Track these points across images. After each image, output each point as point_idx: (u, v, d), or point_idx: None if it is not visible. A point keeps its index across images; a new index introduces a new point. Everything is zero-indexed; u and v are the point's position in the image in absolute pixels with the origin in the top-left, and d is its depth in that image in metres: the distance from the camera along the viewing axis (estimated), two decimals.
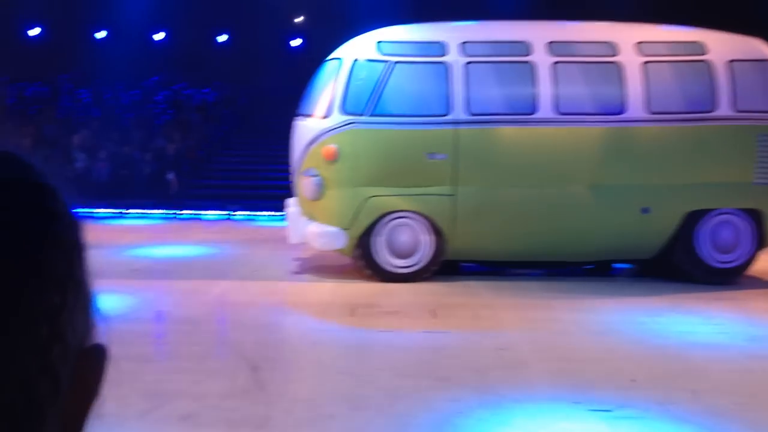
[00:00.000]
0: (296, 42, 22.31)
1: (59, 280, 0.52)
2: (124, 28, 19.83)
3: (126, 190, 15.68)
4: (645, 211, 8.38)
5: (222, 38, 22.35)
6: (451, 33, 8.75)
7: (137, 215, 14.50)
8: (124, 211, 14.64)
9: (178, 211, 14.47)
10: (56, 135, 17.51)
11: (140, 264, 9.43)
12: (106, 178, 16.37)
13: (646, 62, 8.47)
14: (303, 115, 8.88)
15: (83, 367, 0.53)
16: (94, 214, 14.56)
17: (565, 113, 8.34)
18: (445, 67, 8.38)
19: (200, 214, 14.46)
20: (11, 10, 19.14)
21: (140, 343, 5.89)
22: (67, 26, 20.35)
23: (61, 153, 16.86)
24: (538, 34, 8.70)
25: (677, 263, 8.49)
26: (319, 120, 8.48)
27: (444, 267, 8.45)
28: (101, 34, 21.61)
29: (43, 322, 0.50)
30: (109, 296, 7.57)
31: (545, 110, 8.33)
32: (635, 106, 8.41)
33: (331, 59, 8.92)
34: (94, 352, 0.55)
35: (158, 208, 14.68)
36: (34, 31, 21.54)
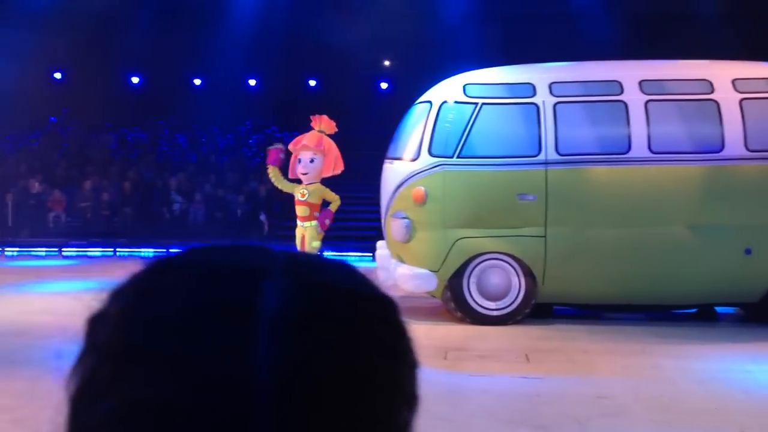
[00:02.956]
0: (385, 85, 22.64)
1: (406, 396, 0.52)
2: (219, 75, 20.56)
3: (220, 231, 16.11)
4: (748, 252, 8.07)
5: (312, 83, 22.89)
6: (539, 74, 8.72)
7: None
8: None
9: None
10: (155, 178, 18.19)
11: None
12: (202, 220, 16.87)
13: (744, 99, 8.24)
14: (392, 157, 8.98)
15: None
16: None
17: (659, 152, 8.17)
18: (534, 108, 8.35)
19: None
20: (115, 60, 20.13)
21: None
22: (166, 74, 21.24)
23: (160, 196, 17.50)
24: (630, 72, 8.58)
25: None
26: (408, 163, 8.55)
27: (537, 310, 8.32)
28: (197, 81, 22.46)
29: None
30: None
31: (638, 149, 8.17)
32: (733, 144, 8.16)
33: (419, 102, 9.02)
34: None
35: None
36: (135, 80, 22.58)
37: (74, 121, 20.69)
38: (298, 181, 9.98)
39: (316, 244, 9.97)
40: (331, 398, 0.48)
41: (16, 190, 17.23)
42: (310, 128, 10.11)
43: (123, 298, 0.53)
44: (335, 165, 10.19)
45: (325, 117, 10.34)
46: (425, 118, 8.60)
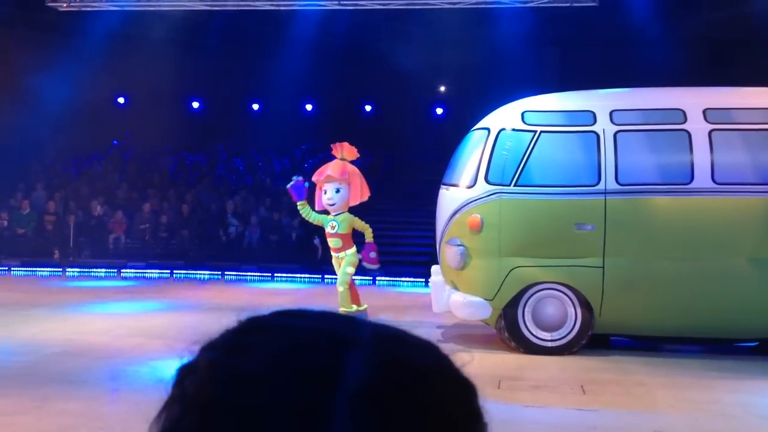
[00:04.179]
0: (440, 110, 22.68)
1: None
2: (276, 100, 20.86)
3: (275, 254, 16.25)
4: None
5: (368, 107, 23.07)
6: (599, 101, 8.63)
7: (285, 279, 14.98)
8: (272, 274, 15.16)
9: (323, 276, 14.82)
10: (212, 201, 18.48)
11: None
12: (257, 243, 17.05)
13: None
14: (448, 184, 8.95)
15: None
16: (245, 277, 15.18)
17: (723, 183, 7.98)
18: (593, 137, 8.25)
19: None
20: (176, 86, 20.59)
21: None
22: (225, 99, 21.65)
23: (216, 218, 17.76)
24: (693, 100, 8.43)
25: None
26: (464, 189, 8.51)
27: (593, 340, 8.17)
28: (255, 106, 22.83)
29: None
30: None
31: (701, 180, 8.00)
32: None
33: (476, 129, 8.99)
34: None
35: (304, 273, 15.10)
36: (196, 105, 23.06)
37: (136, 144, 21.19)
38: (326, 212, 9.92)
39: (351, 270, 9.92)
40: None
41: (78, 211, 17.67)
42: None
43: (213, 352, 0.56)
44: (362, 192, 10.02)
45: (346, 144, 10.16)
46: (483, 145, 8.56)
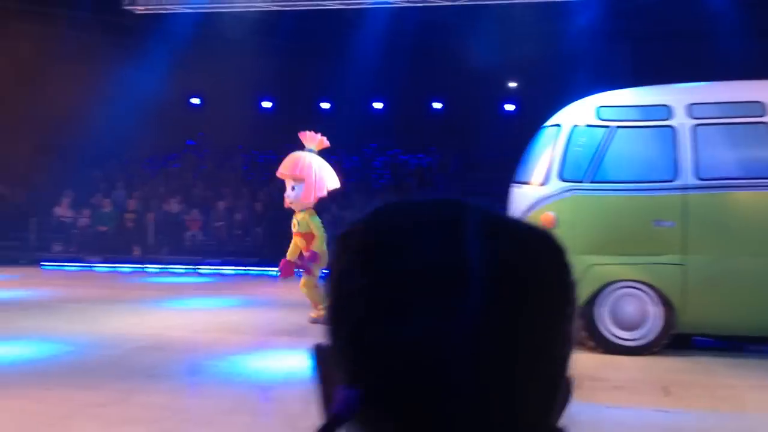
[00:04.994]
0: (510, 107, 22.49)
1: (572, 317, 0.67)
2: (346, 98, 21.02)
3: None
4: None
5: (437, 105, 23.03)
6: (676, 95, 8.43)
7: None
8: None
9: None
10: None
11: None
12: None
13: None
14: (520, 182, 8.87)
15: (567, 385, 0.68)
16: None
17: None
18: (671, 131, 8.07)
19: None
20: (248, 86, 20.95)
21: None
22: (295, 99, 21.92)
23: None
24: None
25: None
26: (537, 187, 8.42)
27: (674, 340, 7.99)
28: (326, 105, 23.05)
29: (568, 344, 0.67)
30: None
31: None
32: None
33: (548, 126, 8.88)
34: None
35: None
36: (267, 104, 23.42)
37: (209, 144, 21.64)
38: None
39: (317, 272, 9.23)
40: (528, 294, 0.63)
41: (156, 209, 18.15)
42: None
43: (364, 221, 0.68)
44: (320, 187, 9.28)
45: (310, 133, 9.51)
46: (555, 141, 8.46)
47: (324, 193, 9.47)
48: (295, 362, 7.64)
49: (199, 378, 7.02)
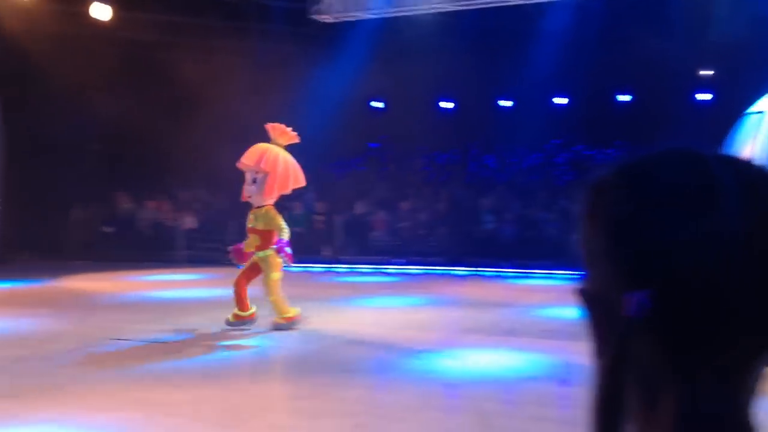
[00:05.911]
0: (703, 96, 21.25)
1: None
2: (527, 96, 20.74)
3: (532, 251, 16.15)
4: None
5: (622, 98, 22.20)
6: None
7: (543, 275, 14.82)
8: (530, 271, 15.08)
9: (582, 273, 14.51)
10: (465, 198, 18.80)
11: (550, 325, 9.59)
12: (513, 239, 17.07)
13: None
14: None
15: None
16: (503, 274, 15.27)
17: None
18: None
19: None
20: (428, 88, 21.20)
21: (559, 405, 5.96)
22: (476, 99, 21.92)
23: (471, 215, 18.04)
24: None
25: None
26: None
27: None
28: (507, 103, 22.88)
29: None
30: (524, 355, 7.81)
31: None
32: None
33: (750, 113, 8.32)
34: None
35: (563, 269, 14.81)
36: (448, 105, 23.60)
37: (392, 145, 22.12)
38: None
39: (276, 275, 8.95)
40: None
41: (344, 211, 18.82)
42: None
43: (613, 172, 0.81)
44: (284, 183, 8.78)
45: (278, 125, 8.90)
46: (758, 129, 7.91)
47: (288, 191, 9.09)
48: (485, 360, 7.65)
49: (392, 374, 7.17)
